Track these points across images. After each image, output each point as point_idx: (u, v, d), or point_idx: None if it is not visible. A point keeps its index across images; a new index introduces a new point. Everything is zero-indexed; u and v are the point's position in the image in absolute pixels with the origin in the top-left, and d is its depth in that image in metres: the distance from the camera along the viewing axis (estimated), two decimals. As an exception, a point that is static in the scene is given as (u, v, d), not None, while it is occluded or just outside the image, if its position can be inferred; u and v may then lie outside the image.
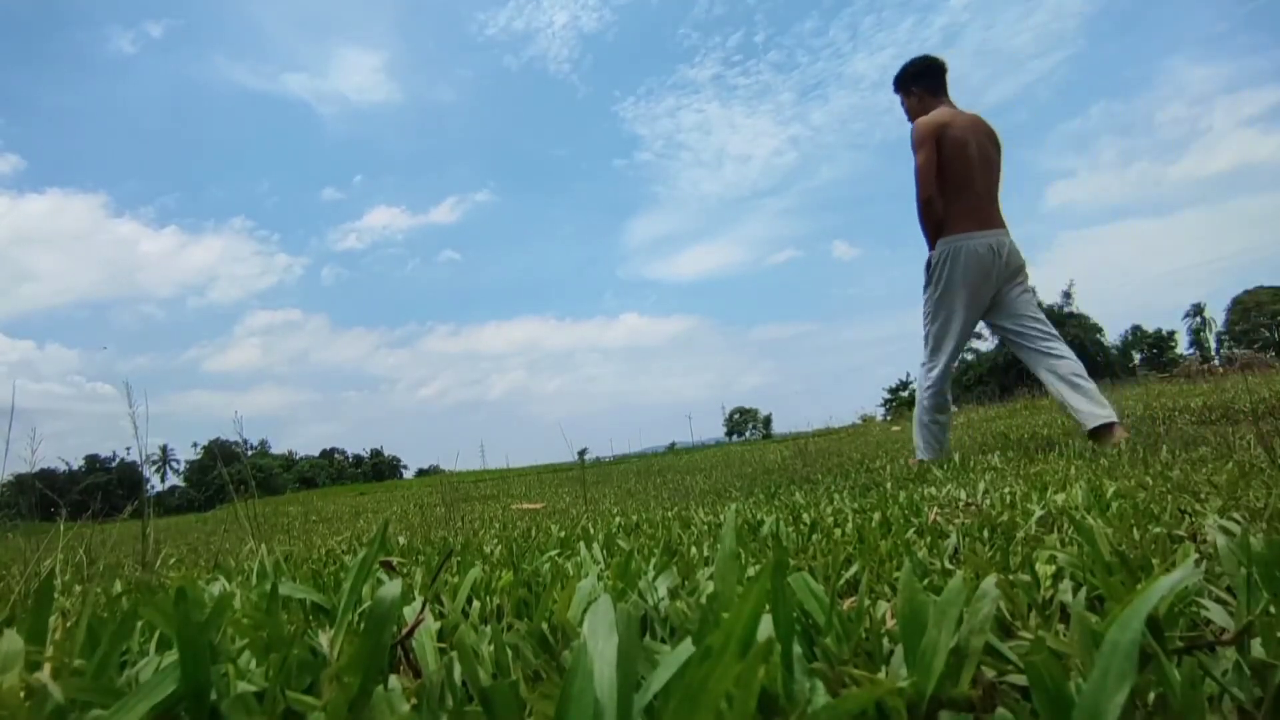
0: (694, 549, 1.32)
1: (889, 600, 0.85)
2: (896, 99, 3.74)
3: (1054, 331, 3.37)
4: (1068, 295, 49.19)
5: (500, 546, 1.62)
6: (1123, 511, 1.20)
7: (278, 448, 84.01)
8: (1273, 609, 0.57)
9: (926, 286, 3.43)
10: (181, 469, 76.58)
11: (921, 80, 3.61)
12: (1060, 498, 1.42)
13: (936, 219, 3.35)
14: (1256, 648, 0.51)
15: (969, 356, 51.83)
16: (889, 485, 2.90)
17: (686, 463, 9.55)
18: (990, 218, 3.36)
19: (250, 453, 79.17)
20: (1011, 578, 0.75)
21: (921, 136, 3.35)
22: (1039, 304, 3.47)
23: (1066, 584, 0.72)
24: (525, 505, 4.71)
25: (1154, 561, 0.81)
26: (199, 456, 74.29)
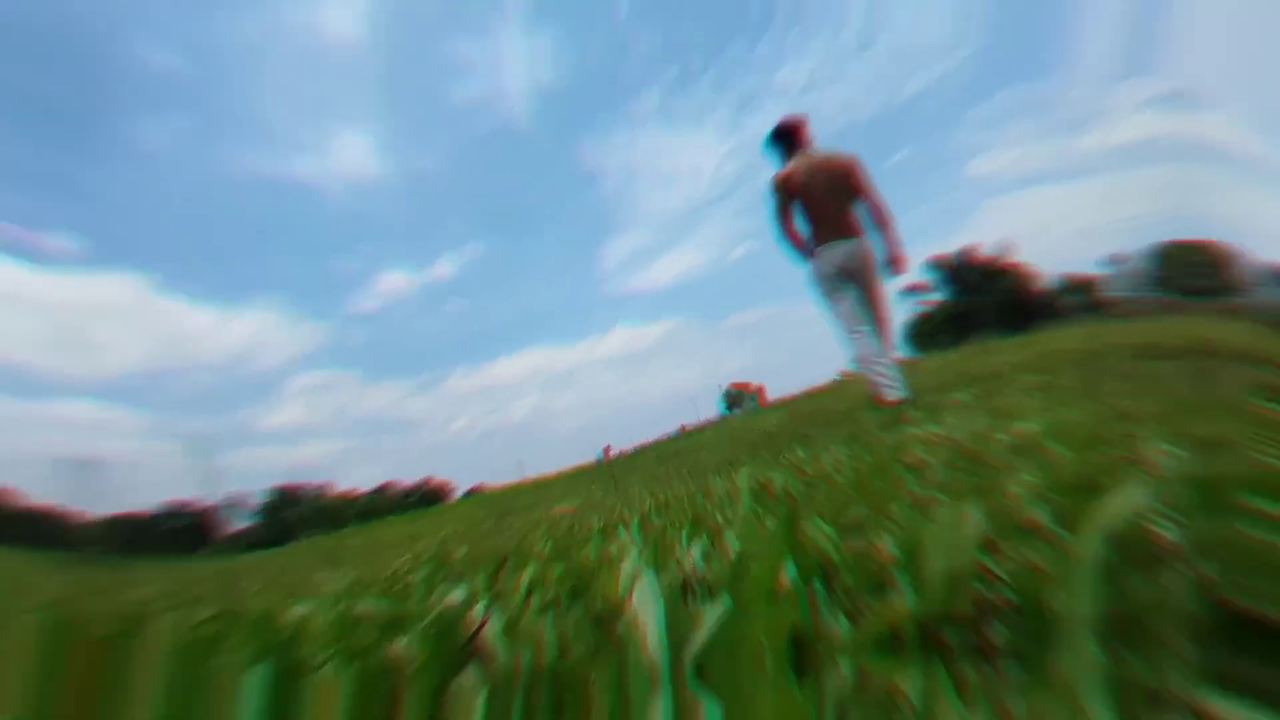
0: (717, 515, 1.32)
1: (891, 534, 0.85)
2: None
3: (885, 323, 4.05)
4: (1004, 248, 49.15)
5: (549, 544, 1.62)
6: (1080, 438, 1.20)
7: (338, 488, 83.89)
8: (1217, 526, 0.57)
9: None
10: (255, 509, 76.20)
11: (775, 146, 4.17)
12: (1022, 426, 1.42)
13: (796, 248, 4.02)
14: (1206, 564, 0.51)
15: (923, 309, 51.83)
16: (874, 431, 2.90)
17: (696, 443, 9.53)
18: (840, 230, 3.94)
19: (313, 494, 79.07)
20: (989, 502, 0.76)
21: (767, 194, 4.01)
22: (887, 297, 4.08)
23: (1037, 504, 0.72)
24: (563, 508, 4.70)
25: (1107, 481, 0.81)
26: (270, 499, 74.29)
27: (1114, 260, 58.98)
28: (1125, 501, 0.45)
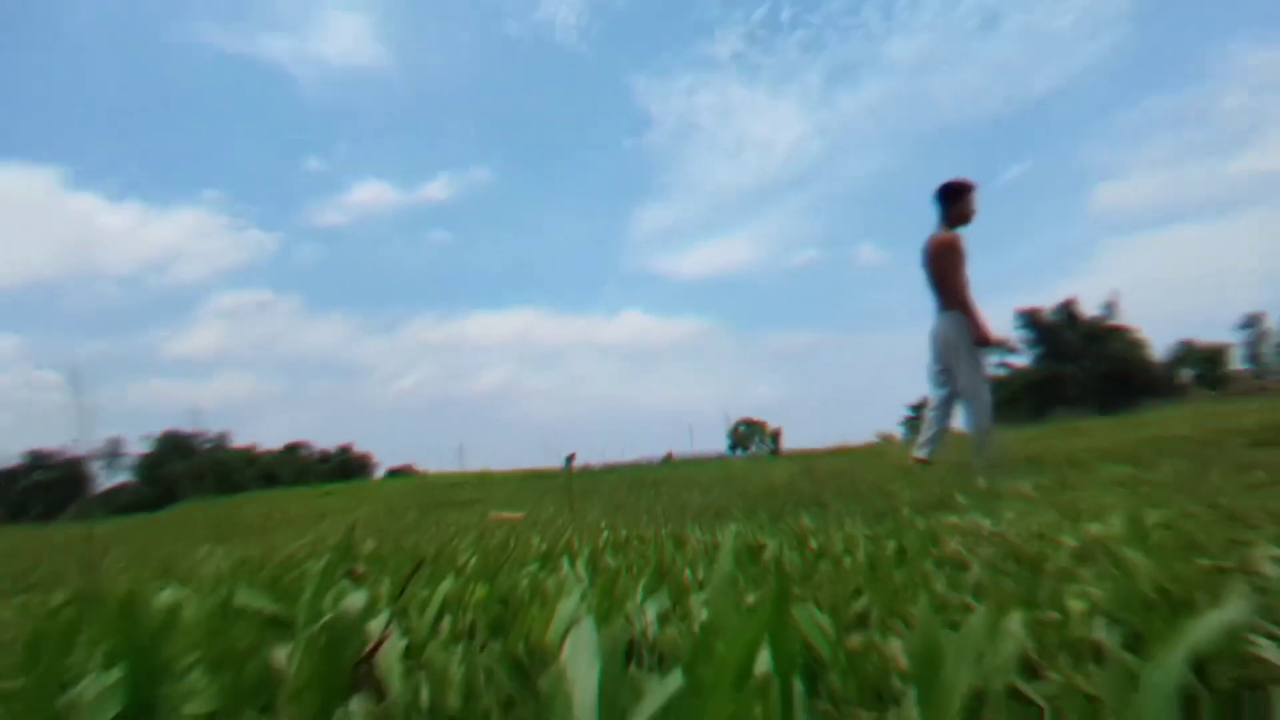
0: (688, 571, 1.31)
1: (902, 636, 0.85)
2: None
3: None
4: (1110, 307, 49.09)
5: (476, 557, 1.62)
6: (1165, 543, 1.19)
7: (239, 440, 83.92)
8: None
9: None
10: (133, 463, 76.48)
11: (947, 201, 5.40)
12: (1096, 528, 1.42)
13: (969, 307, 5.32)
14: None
15: (1003, 371, 51.77)
16: (906, 511, 2.91)
17: (683, 476, 9.53)
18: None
19: (208, 446, 79.03)
20: (1039, 615, 0.75)
21: (951, 248, 5.35)
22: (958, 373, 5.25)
23: (1100, 621, 0.71)
24: (505, 515, 4.70)
25: (1199, 597, 0.81)
26: (152, 450, 74.28)
27: (1251, 321, 58.71)
28: (1221, 619, 0.44)
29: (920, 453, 5.31)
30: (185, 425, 78.83)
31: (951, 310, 5.27)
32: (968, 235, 5.41)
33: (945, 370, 5.31)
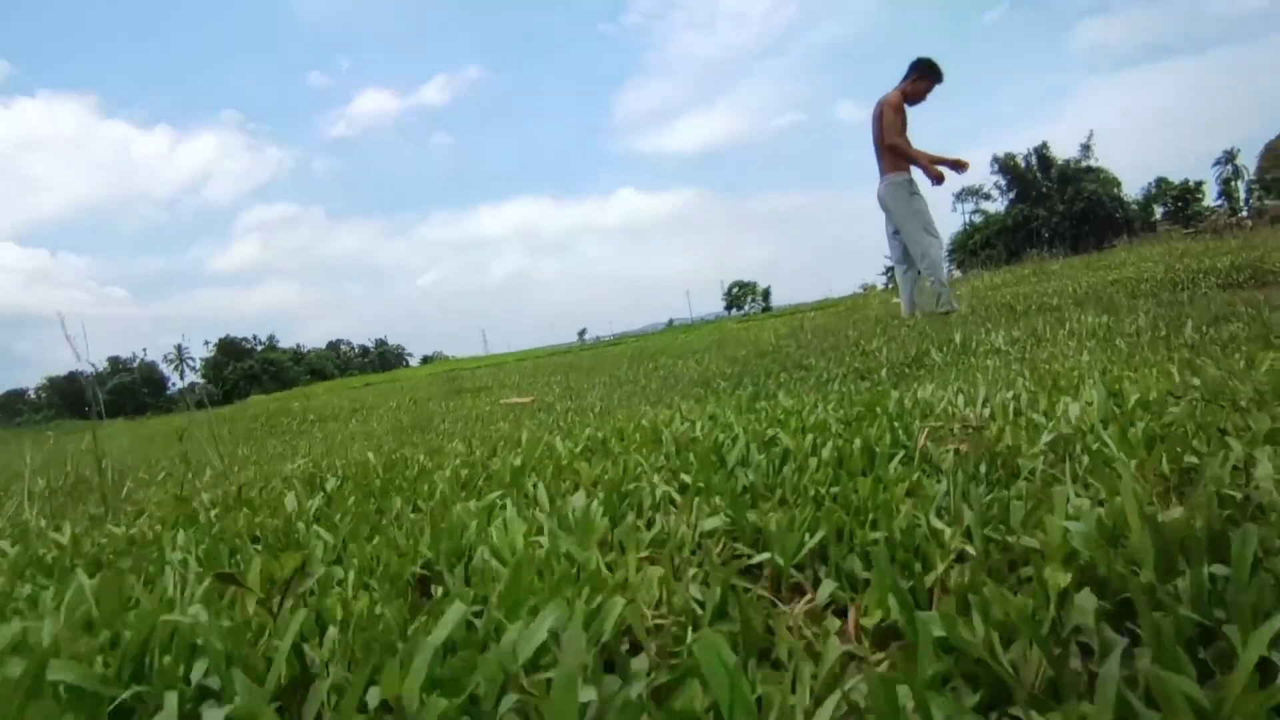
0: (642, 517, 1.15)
1: (851, 600, 0.68)
2: None
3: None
4: (1086, 148, 47.21)
5: (444, 486, 1.47)
6: (1149, 434, 1.01)
7: (286, 342, 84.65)
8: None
9: None
10: (198, 366, 77.66)
11: (922, 72, 5.25)
12: (1074, 409, 1.24)
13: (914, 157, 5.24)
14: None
15: (977, 219, 50.61)
16: (884, 373, 2.74)
17: (682, 343, 9.41)
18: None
19: (260, 348, 79.87)
20: (1010, 593, 0.57)
21: (895, 107, 5.24)
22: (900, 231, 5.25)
23: (1084, 602, 0.54)
24: (515, 399, 4.61)
25: (1198, 533, 0.63)
26: (212, 354, 75.23)
27: (1225, 158, 56.52)
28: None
29: (904, 310, 5.32)
30: (238, 332, 79.78)
31: (890, 174, 5.16)
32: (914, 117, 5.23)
33: (896, 232, 5.24)
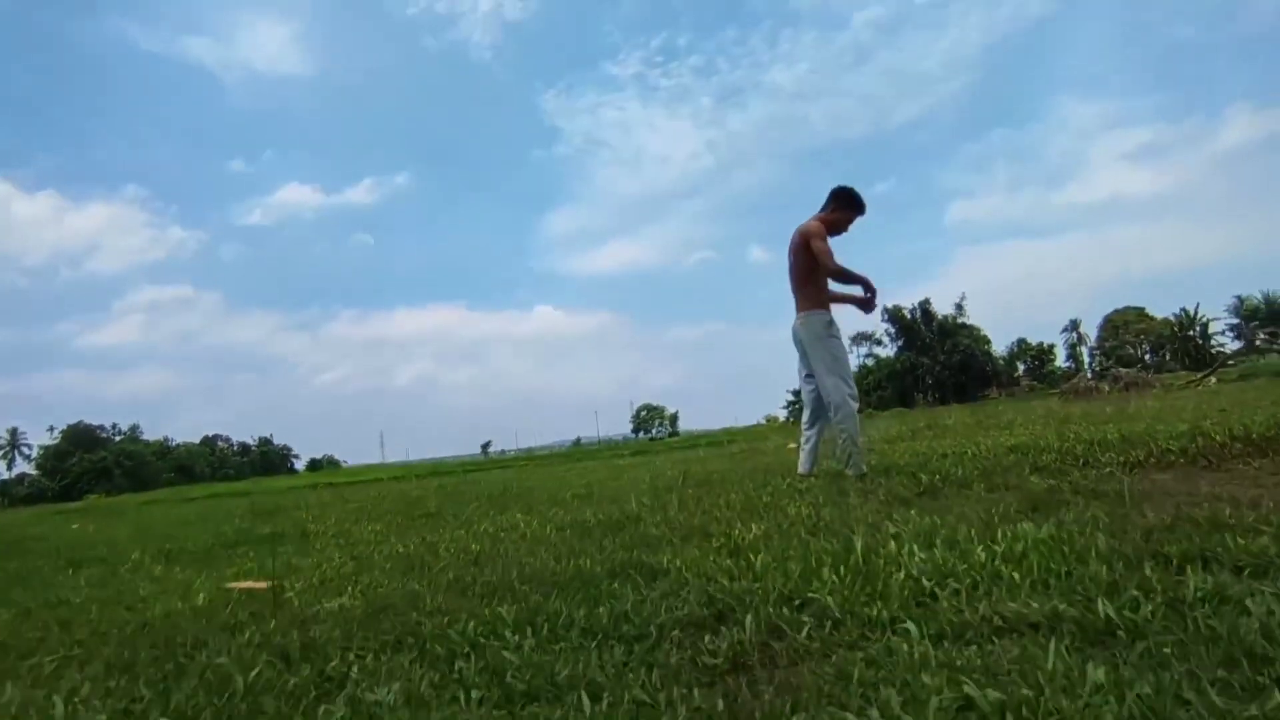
0: None
1: None
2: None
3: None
4: (959, 307, 51.09)
5: None
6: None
7: (154, 433, 77.12)
8: None
9: None
10: (34, 455, 69.14)
11: (845, 203, 4.83)
12: None
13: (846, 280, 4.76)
14: None
15: (870, 361, 53.18)
16: (748, 621, 2.00)
17: (559, 481, 8.37)
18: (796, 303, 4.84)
19: (118, 439, 71.86)
20: None
21: (821, 234, 4.73)
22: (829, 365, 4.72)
23: None
24: (243, 585, 3.40)
25: None
26: (56, 442, 67.17)
27: (1071, 326, 63.00)
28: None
29: (802, 467, 4.71)
30: (96, 418, 71.75)
31: (808, 311, 4.70)
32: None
33: (809, 375, 4.77)
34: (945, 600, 1.62)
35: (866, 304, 4.77)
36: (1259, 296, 41.01)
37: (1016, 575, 1.72)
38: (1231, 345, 38.96)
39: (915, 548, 2.08)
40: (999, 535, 2.11)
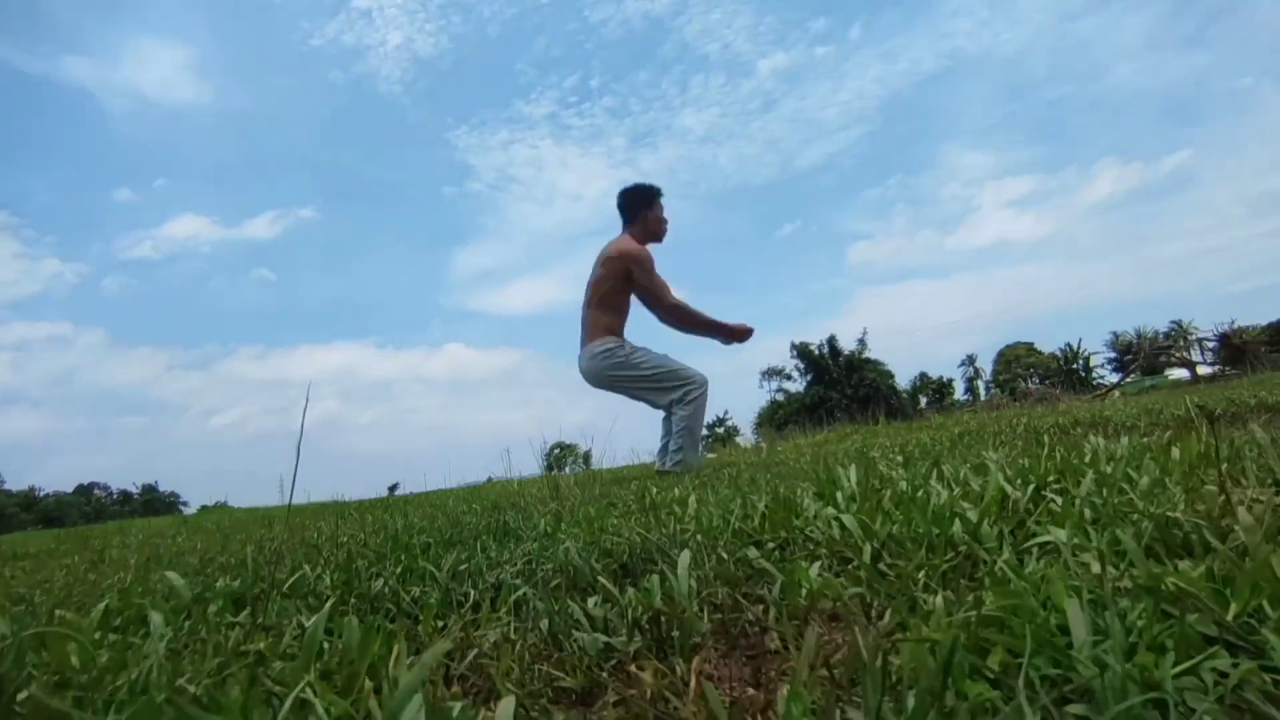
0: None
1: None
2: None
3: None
4: (862, 343, 52.16)
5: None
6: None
7: (20, 483, 69.10)
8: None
9: None
10: None
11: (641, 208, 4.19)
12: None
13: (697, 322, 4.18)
14: None
15: (780, 396, 53.51)
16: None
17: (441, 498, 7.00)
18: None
19: (-24, 488, 63.88)
20: None
21: (648, 259, 4.13)
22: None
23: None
24: None
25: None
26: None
27: (967, 361, 65.77)
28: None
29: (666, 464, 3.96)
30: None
31: (596, 341, 4.06)
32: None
33: (640, 399, 4.12)
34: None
35: (734, 334, 4.09)
36: (1132, 332, 43.64)
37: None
38: (1111, 376, 41.14)
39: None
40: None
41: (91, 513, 70.94)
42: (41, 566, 2.96)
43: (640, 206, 4.13)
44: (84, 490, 76.28)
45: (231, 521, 5.24)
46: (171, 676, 0.74)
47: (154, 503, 78.15)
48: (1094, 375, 50.16)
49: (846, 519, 1.13)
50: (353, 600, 1.17)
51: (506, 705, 0.54)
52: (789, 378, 54.06)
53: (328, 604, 0.91)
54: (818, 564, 0.99)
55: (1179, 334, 36.89)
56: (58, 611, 1.26)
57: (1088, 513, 1.00)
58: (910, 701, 0.46)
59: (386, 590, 1.18)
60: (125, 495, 79.19)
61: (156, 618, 1.07)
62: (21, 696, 0.73)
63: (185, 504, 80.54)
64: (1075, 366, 54.18)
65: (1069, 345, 56.08)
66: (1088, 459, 1.49)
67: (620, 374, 4.03)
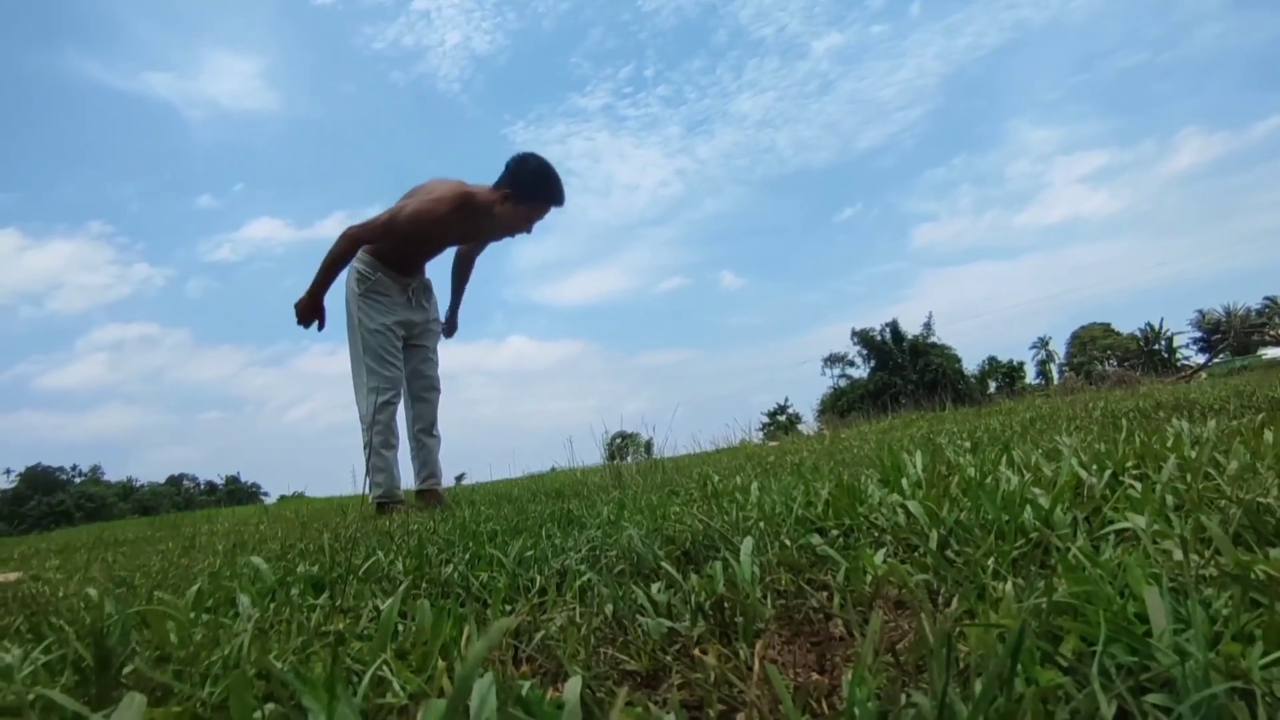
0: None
1: None
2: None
3: None
4: (928, 327, 50.65)
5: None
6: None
7: (117, 474, 73.89)
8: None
9: None
10: (-6, 494, 65.68)
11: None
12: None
13: None
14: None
15: (843, 383, 52.50)
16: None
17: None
18: None
19: (79, 480, 68.60)
20: None
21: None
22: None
23: None
24: None
25: None
26: (14, 485, 63.94)
27: (1040, 343, 63.08)
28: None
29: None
30: (55, 460, 68.50)
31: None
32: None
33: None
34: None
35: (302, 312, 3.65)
36: (1219, 310, 40.99)
37: None
38: (1197, 357, 38.86)
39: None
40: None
41: (181, 502, 75.27)
42: (139, 552, 3.17)
43: (525, 189, 3.60)
44: (175, 481, 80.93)
45: (309, 510, 5.48)
46: (261, 653, 0.79)
47: (237, 493, 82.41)
48: (1177, 356, 47.47)
49: (912, 505, 1.11)
50: (424, 585, 1.21)
51: (574, 684, 0.55)
52: (852, 364, 53.04)
53: (401, 588, 0.95)
54: (883, 550, 0.98)
55: (1274, 310, 34.51)
56: (156, 593, 1.36)
57: (1169, 499, 0.96)
58: (977, 687, 0.46)
59: (456, 575, 1.22)
60: (211, 486, 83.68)
61: (244, 599, 1.14)
62: (127, 670, 0.79)
63: (266, 494, 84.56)
64: (1157, 347, 51.32)
65: (1149, 325, 53.18)
66: (1170, 443, 1.43)
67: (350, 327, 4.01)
